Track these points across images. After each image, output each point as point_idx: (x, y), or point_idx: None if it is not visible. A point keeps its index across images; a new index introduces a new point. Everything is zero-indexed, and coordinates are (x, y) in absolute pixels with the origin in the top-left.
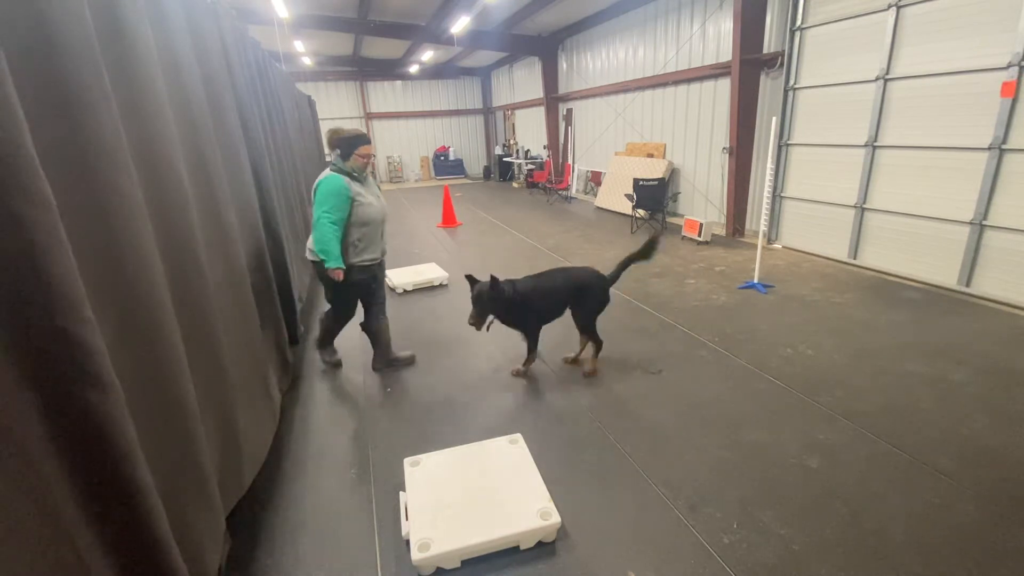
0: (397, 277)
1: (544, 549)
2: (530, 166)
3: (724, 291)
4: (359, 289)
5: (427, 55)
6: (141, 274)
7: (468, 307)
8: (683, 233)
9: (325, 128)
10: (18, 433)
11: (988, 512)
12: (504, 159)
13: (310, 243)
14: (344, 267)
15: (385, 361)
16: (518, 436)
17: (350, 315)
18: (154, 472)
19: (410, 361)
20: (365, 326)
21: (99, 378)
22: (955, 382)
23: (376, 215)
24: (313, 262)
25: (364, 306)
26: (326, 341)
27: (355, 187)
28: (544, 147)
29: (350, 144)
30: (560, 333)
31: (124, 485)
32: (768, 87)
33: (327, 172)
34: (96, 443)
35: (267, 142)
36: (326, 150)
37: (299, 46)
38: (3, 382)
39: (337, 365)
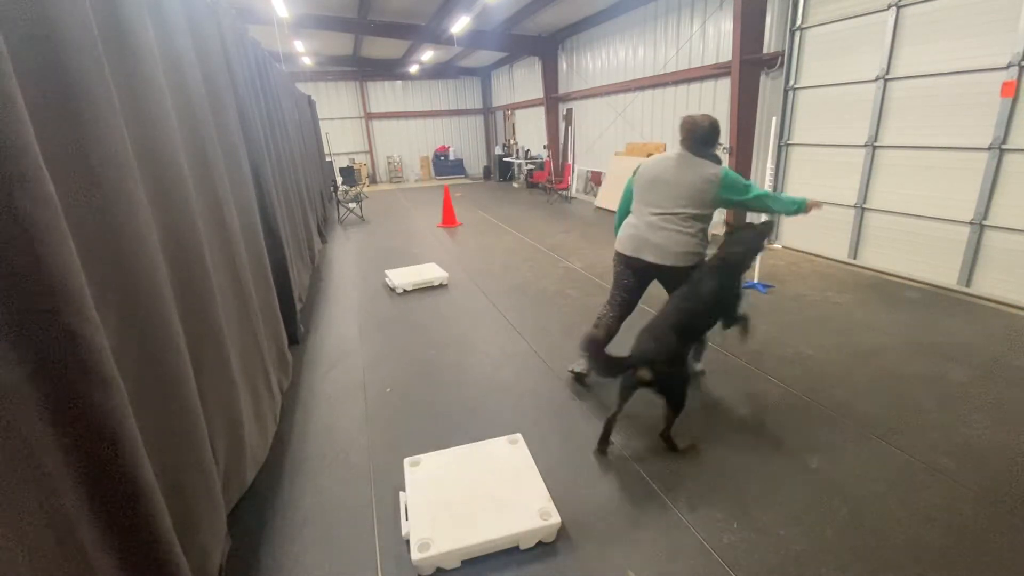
0: (397, 277)
1: (544, 549)
2: (530, 166)
3: None
4: None
5: (427, 55)
6: (145, 272)
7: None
8: None
9: (325, 128)
10: (22, 431)
11: (988, 512)
12: (504, 159)
13: (678, 246)
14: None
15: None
16: (518, 436)
17: None
18: (157, 470)
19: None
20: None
21: (103, 377)
22: (955, 382)
23: None
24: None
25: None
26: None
27: None
28: (544, 147)
29: (719, 134)
30: (559, 333)
31: (127, 483)
32: (768, 87)
33: (716, 166)
34: (100, 441)
35: (267, 142)
36: (684, 141)
37: (299, 46)
38: (7, 381)
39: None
